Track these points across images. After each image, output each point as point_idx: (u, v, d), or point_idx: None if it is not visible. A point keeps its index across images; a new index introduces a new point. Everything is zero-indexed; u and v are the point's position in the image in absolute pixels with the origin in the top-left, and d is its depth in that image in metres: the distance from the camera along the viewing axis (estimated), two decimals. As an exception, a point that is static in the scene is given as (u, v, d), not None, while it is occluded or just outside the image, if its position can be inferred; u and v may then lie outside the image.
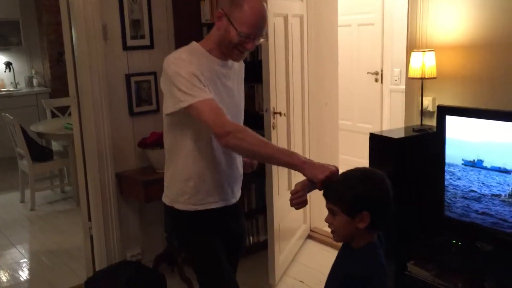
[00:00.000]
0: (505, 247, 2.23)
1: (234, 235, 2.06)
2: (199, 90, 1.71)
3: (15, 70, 6.62)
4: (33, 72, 6.84)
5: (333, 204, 1.53)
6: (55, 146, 5.47)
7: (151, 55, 3.20)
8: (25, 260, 3.74)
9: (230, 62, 1.88)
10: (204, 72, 1.76)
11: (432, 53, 2.56)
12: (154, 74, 3.22)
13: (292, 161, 1.64)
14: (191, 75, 1.71)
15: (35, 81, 6.76)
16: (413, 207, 2.54)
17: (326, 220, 1.58)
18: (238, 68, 1.95)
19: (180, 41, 3.26)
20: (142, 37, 3.13)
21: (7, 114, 4.76)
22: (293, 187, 1.65)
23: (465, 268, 2.33)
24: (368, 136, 5.15)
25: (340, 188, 1.52)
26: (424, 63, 2.54)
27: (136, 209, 3.29)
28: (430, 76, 2.56)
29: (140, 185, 2.96)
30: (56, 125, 4.99)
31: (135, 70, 3.14)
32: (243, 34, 1.74)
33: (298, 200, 1.62)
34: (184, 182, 1.89)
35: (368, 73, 5.15)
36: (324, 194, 1.57)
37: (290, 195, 1.64)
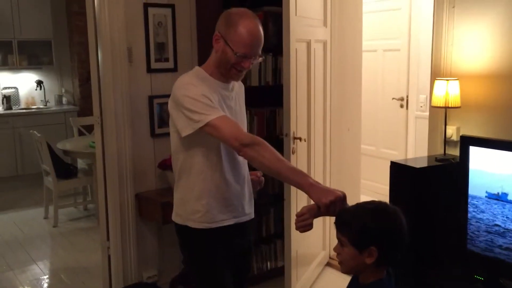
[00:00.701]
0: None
1: (241, 252, 2.08)
2: (212, 108, 1.79)
3: (46, 88, 6.81)
4: (63, 90, 7.02)
5: (341, 234, 1.50)
6: (81, 164, 5.56)
7: (175, 78, 3.14)
8: (45, 277, 3.77)
9: (231, 84, 1.96)
10: (212, 94, 1.84)
11: (456, 82, 2.52)
12: (177, 96, 3.25)
13: (300, 181, 1.65)
14: (201, 96, 1.79)
15: (64, 100, 6.93)
16: (435, 239, 2.47)
17: (334, 250, 1.55)
18: (238, 89, 2.03)
19: (203, 64, 3.29)
20: (166, 60, 3.18)
21: (35, 132, 4.87)
22: None
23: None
24: (386, 161, 5.09)
25: (349, 218, 1.50)
26: (447, 92, 2.50)
27: (154, 230, 3.29)
28: (454, 105, 2.51)
29: (158, 206, 2.97)
30: (82, 143, 5.08)
31: (158, 92, 3.17)
32: (239, 54, 1.81)
33: (302, 223, 1.61)
34: (196, 200, 1.94)
35: (393, 98, 5.10)
36: (335, 223, 1.54)
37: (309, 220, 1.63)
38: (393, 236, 1.47)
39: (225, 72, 1.89)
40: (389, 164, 5.26)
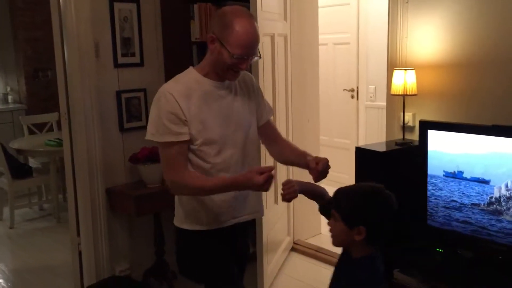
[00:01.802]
0: (484, 254, 2.38)
1: (239, 250, 2.12)
2: (168, 131, 1.81)
3: (-11, 87, 6.54)
4: (8, 89, 6.76)
5: (336, 210, 1.63)
6: (33, 163, 5.41)
7: (141, 72, 3.28)
8: (10, 278, 3.70)
9: (226, 83, 1.92)
10: (192, 99, 1.83)
11: (413, 72, 2.73)
12: (144, 90, 3.29)
13: (235, 188, 1.85)
14: (169, 114, 1.80)
15: (10, 98, 6.68)
16: (398, 217, 2.67)
17: (328, 224, 1.67)
18: (239, 86, 1.97)
19: (170, 59, 3.36)
20: (133, 54, 3.21)
21: (-16, 132, 4.72)
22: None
23: (448, 274, 2.46)
24: (345, 151, 5.40)
25: (343, 197, 1.62)
26: (405, 81, 2.70)
27: (125, 224, 3.32)
28: (411, 93, 2.73)
29: (131, 200, 3.01)
30: (35, 142, 4.96)
31: (125, 87, 3.20)
32: (236, 56, 1.78)
33: (289, 191, 1.73)
34: (189, 204, 1.98)
35: (344, 90, 5.34)
36: (332, 199, 1.67)
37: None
38: (382, 219, 1.58)
39: (222, 73, 1.86)
40: (342, 152, 5.51)
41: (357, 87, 5.29)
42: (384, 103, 3.69)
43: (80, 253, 3.22)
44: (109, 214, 3.20)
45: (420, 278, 2.54)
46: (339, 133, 5.43)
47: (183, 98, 1.83)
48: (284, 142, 2.15)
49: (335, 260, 3.73)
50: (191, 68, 1.95)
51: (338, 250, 4.10)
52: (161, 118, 1.82)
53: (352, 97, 5.34)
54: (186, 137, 1.84)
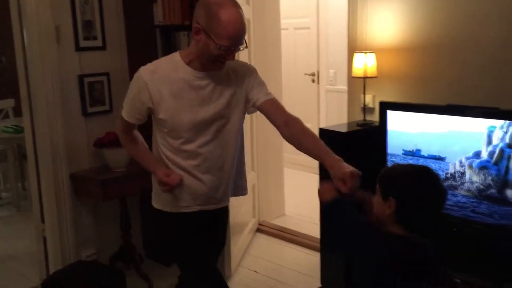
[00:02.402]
0: (441, 228, 2.52)
1: (212, 238, 2.14)
2: (129, 109, 1.97)
3: None
4: (-41, 74, 6.49)
5: (377, 182, 1.65)
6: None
7: (104, 56, 3.24)
8: (-31, 268, 3.62)
9: (209, 73, 1.90)
10: (172, 87, 1.88)
11: (373, 55, 2.83)
12: (107, 74, 3.26)
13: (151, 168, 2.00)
14: (137, 95, 1.92)
15: (-39, 84, 6.42)
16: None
17: (373, 200, 1.68)
18: (229, 74, 1.94)
19: (133, 42, 3.33)
20: (95, 38, 3.17)
21: None
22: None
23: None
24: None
25: (385, 171, 1.67)
26: (366, 64, 2.80)
27: (90, 209, 3.30)
28: (371, 76, 2.83)
29: (97, 184, 2.99)
30: (-10, 129, 4.81)
31: (88, 71, 3.16)
32: (223, 47, 1.75)
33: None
34: (157, 183, 2.01)
35: (305, 74, 5.44)
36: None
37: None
38: (413, 196, 1.54)
39: (208, 63, 1.85)
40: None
41: (318, 71, 5.40)
42: (344, 87, 3.80)
43: (44, 240, 3.18)
44: (73, 199, 3.17)
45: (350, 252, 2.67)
46: (301, 117, 5.28)
47: (157, 85, 1.87)
48: (298, 128, 1.97)
49: (299, 239, 3.87)
50: (176, 53, 1.95)
51: (302, 230, 4.20)
52: (129, 94, 1.97)
53: (313, 81, 5.44)
54: (137, 122, 2.00)
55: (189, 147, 1.94)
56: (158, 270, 3.41)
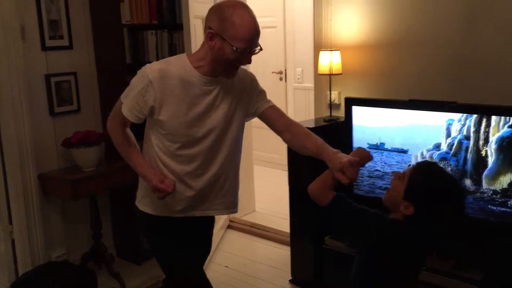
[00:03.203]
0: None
1: (199, 244, 2.11)
2: (130, 101, 1.86)
3: None
4: None
5: (409, 174, 1.60)
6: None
7: (71, 55, 3.22)
8: None
9: (216, 79, 1.85)
10: (177, 90, 1.81)
11: (338, 52, 2.92)
12: (74, 74, 3.24)
13: (138, 172, 1.93)
14: (141, 93, 1.82)
15: None
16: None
17: (394, 174, 1.68)
18: (235, 84, 1.90)
19: (100, 41, 3.32)
20: (61, 37, 3.14)
21: None
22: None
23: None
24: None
25: (423, 172, 1.60)
26: (331, 61, 2.89)
27: (59, 209, 3.28)
28: (337, 73, 2.92)
29: (67, 184, 2.98)
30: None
31: (54, 70, 3.13)
32: (240, 49, 1.72)
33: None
34: (143, 183, 1.98)
35: (273, 72, 5.51)
36: (416, 163, 1.69)
37: None
38: (435, 212, 1.54)
39: (222, 70, 1.80)
40: (273, 133, 5.67)
41: (285, 70, 5.48)
42: (311, 84, 3.89)
43: (13, 242, 3.14)
44: (42, 200, 3.15)
45: (348, 243, 2.76)
46: None
47: (163, 85, 1.80)
48: (300, 132, 1.97)
49: (269, 234, 3.93)
50: (184, 55, 1.90)
51: (272, 225, 4.27)
52: (133, 90, 1.85)
53: (281, 79, 5.52)
54: (136, 120, 1.89)
55: (185, 152, 1.89)
56: (129, 269, 3.42)
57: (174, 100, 1.82)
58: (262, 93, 2.02)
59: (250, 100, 1.97)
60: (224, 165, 1.94)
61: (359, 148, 1.83)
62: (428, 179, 1.58)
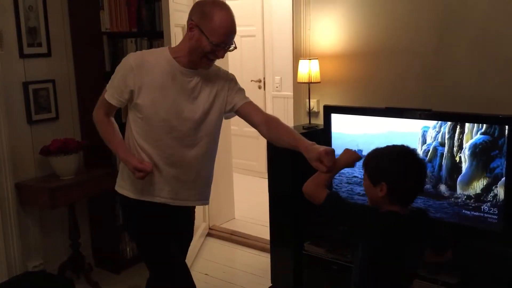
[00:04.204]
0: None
1: (178, 233, 2.19)
2: (114, 90, 1.99)
3: None
4: None
5: (364, 168, 1.74)
6: None
7: (49, 63, 3.20)
8: None
9: (196, 71, 1.98)
10: (156, 78, 1.94)
11: (316, 61, 2.97)
12: (53, 82, 3.22)
13: (120, 157, 2.04)
14: (123, 78, 1.95)
15: None
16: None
17: (363, 184, 1.77)
18: (209, 79, 2.02)
19: (79, 49, 3.31)
20: (39, 44, 3.13)
21: None
22: None
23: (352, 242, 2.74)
24: (255, 140, 5.52)
25: (369, 157, 1.74)
26: (310, 70, 2.93)
27: (36, 218, 3.24)
28: (315, 81, 2.96)
29: (45, 193, 2.95)
30: None
31: (32, 78, 3.12)
32: (214, 43, 1.87)
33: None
34: (124, 168, 2.07)
35: (252, 81, 5.55)
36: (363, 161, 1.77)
37: None
38: (401, 176, 1.65)
39: (197, 60, 1.94)
40: (252, 141, 5.69)
41: (264, 78, 5.52)
42: (289, 93, 3.93)
43: (-11, 252, 3.09)
44: (18, 209, 3.10)
45: (328, 248, 2.80)
46: None
47: (142, 71, 1.94)
48: (277, 125, 2.10)
49: (249, 241, 3.95)
50: (165, 47, 2.05)
51: (252, 232, 4.28)
52: (116, 76, 2.00)
53: (260, 87, 5.56)
54: (119, 104, 2.01)
55: (161, 137, 1.99)
56: (108, 278, 3.39)
57: (152, 86, 1.94)
58: (240, 90, 2.14)
59: (228, 96, 2.08)
60: (199, 156, 2.05)
61: (347, 149, 1.89)
62: (377, 155, 1.72)
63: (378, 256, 1.67)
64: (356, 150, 2.70)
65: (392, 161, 1.67)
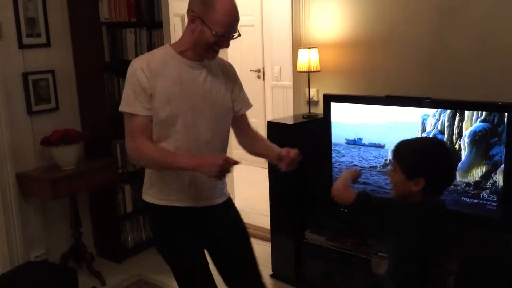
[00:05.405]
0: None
1: (214, 235, 2.04)
2: (134, 101, 1.81)
3: None
4: None
5: (396, 161, 1.68)
6: None
7: (49, 53, 3.20)
8: None
9: (202, 63, 1.89)
10: (161, 74, 1.83)
11: (316, 50, 2.97)
12: (52, 72, 3.22)
13: (183, 167, 1.80)
14: (137, 84, 1.81)
15: None
16: (308, 183, 2.92)
17: (388, 174, 1.76)
18: (215, 70, 1.94)
19: (78, 39, 3.31)
20: (38, 35, 3.12)
21: None
22: None
23: (351, 230, 2.76)
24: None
25: (406, 150, 1.68)
26: (310, 59, 2.93)
27: (38, 209, 3.25)
28: (315, 70, 2.97)
29: (47, 184, 2.96)
30: None
31: (32, 69, 3.11)
32: (218, 34, 1.78)
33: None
34: (151, 174, 1.96)
35: (251, 70, 5.54)
36: (393, 151, 1.72)
37: None
38: (440, 172, 1.64)
39: (202, 52, 1.86)
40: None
41: (263, 68, 5.52)
42: (288, 82, 3.93)
43: (-9, 242, 3.11)
44: (20, 200, 3.12)
45: (328, 236, 2.82)
46: (247, 112, 5.61)
47: (151, 73, 1.82)
48: (255, 134, 2.14)
49: (250, 230, 3.88)
50: (167, 45, 1.95)
51: (253, 221, 4.26)
52: (127, 89, 1.84)
53: (259, 77, 5.56)
54: (147, 112, 1.83)
55: (181, 137, 1.88)
56: (110, 267, 3.41)
57: (165, 88, 1.83)
58: (243, 91, 2.08)
59: (235, 97, 2.03)
60: (217, 148, 1.96)
61: (348, 169, 1.91)
62: (412, 149, 1.67)
63: (415, 249, 1.65)
64: (356, 139, 2.74)
65: (429, 156, 1.64)
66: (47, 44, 3.18)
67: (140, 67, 1.82)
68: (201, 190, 1.96)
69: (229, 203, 2.11)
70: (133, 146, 1.85)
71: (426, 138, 1.78)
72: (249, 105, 2.12)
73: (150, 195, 1.98)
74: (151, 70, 1.83)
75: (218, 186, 2.01)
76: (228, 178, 1.90)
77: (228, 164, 1.76)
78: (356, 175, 1.84)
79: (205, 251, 2.05)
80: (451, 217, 1.80)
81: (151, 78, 1.83)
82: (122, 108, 1.86)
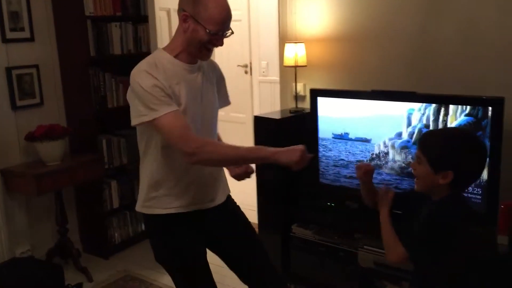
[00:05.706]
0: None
1: (220, 235, 2.04)
2: (162, 103, 1.70)
3: None
4: None
5: (422, 153, 1.60)
6: None
7: (33, 48, 3.16)
8: None
9: (197, 65, 1.85)
10: (170, 78, 1.76)
11: (303, 45, 2.97)
12: (37, 67, 3.18)
13: (263, 155, 1.75)
14: (153, 88, 1.70)
15: None
16: (294, 177, 2.93)
17: (411, 165, 1.67)
18: (207, 69, 1.91)
19: (63, 34, 3.27)
20: (22, 29, 3.08)
21: None
22: None
23: (338, 224, 2.77)
24: (241, 125, 5.52)
25: (434, 142, 1.60)
26: (296, 54, 2.94)
27: (23, 204, 3.22)
28: (302, 65, 2.97)
29: (31, 179, 2.93)
30: None
31: (16, 63, 3.07)
32: (212, 32, 1.74)
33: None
34: (150, 187, 1.88)
35: (238, 65, 5.53)
36: (418, 142, 1.66)
37: None
38: (473, 167, 1.56)
39: (196, 52, 1.80)
40: (238, 126, 5.70)
41: (250, 63, 5.51)
42: (276, 77, 3.92)
43: (-25, 239, 3.07)
44: (5, 195, 3.09)
45: (315, 230, 2.83)
46: (235, 107, 5.57)
47: (161, 76, 1.74)
48: (218, 135, 2.13)
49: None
50: (159, 49, 1.87)
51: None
52: (147, 95, 1.70)
53: (246, 72, 5.54)
54: (177, 107, 1.75)
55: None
56: (96, 263, 3.40)
57: (179, 89, 1.78)
58: (226, 88, 2.08)
59: (219, 88, 2.02)
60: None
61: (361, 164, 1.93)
62: (441, 140, 1.61)
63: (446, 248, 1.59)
64: (343, 133, 2.75)
65: (460, 147, 1.56)
66: (31, 39, 3.14)
67: (146, 71, 1.73)
68: (205, 192, 1.94)
69: (230, 200, 2.14)
70: (197, 145, 1.70)
71: (456, 128, 1.68)
72: (228, 102, 2.08)
73: (149, 207, 1.90)
74: (159, 73, 1.74)
75: (220, 186, 2.01)
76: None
77: (307, 154, 1.75)
78: (370, 171, 1.87)
79: (214, 252, 2.07)
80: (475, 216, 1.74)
81: (162, 80, 1.74)
82: (150, 116, 1.70)
